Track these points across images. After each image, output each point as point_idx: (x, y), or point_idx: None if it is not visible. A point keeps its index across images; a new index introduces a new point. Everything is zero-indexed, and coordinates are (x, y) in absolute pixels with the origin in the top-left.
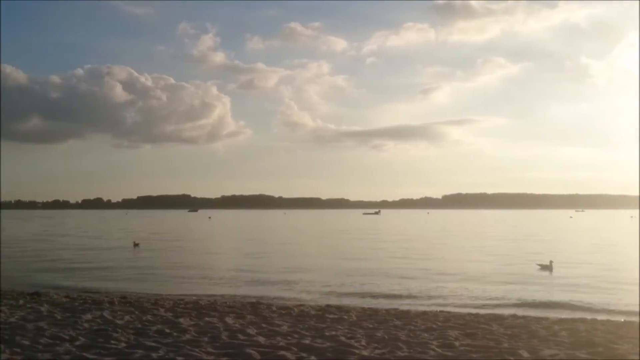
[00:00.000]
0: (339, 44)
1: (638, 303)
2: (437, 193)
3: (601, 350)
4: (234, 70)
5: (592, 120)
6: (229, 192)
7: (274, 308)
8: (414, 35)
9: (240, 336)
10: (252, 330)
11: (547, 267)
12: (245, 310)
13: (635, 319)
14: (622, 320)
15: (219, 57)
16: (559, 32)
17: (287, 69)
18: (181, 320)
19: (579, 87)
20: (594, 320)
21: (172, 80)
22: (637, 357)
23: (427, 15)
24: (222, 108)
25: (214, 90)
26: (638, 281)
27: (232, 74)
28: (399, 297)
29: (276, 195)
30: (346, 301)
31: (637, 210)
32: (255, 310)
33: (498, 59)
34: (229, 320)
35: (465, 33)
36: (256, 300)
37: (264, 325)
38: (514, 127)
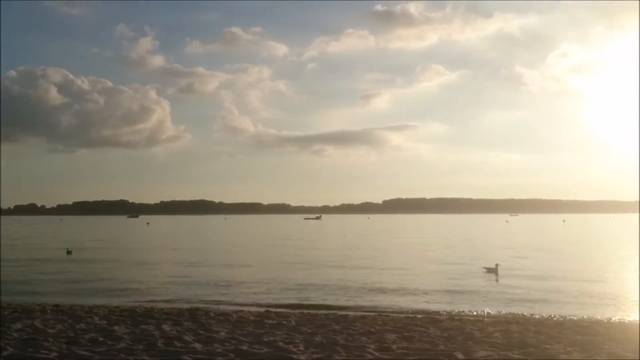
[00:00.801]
0: (280, 49)
1: (570, 302)
2: (377, 198)
3: (532, 351)
4: (174, 74)
5: (526, 127)
6: (168, 198)
7: (212, 314)
8: (354, 41)
9: (177, 343)
10: (188, 337)
11: (493, 270)
12: (182, 317)
13: (563, 319)
14: (553, 321)
15: (158, 61)
16: (495, 42)
17: (227, 74)
18: (116, 328)
19: (513, 94)
20: (527, 322)
21: (109, 84)
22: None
23: (367, 22)
24: (161, 112)
25: (153, 94)
26: (574, 282)
27: (172, 77)
28: (338, 301)
29: (217, 201)
30: (286, 307)
31: (569, 215)
32: (193, 316)
33: (437, 66)
34: (166, 327)
35: (405, 40)
36: (194, 307)
37: (201, 331)
38: (452, 133)
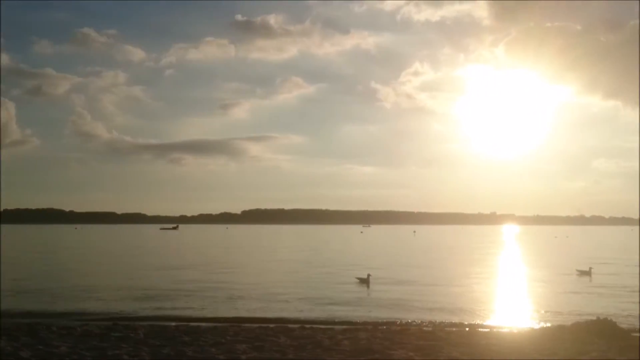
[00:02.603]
0: (136, 53)
1: (419, 309)
2: (236, 208)
3: (378, 357)
4: (19, 74)
5: (380, 141)
6: (12, 206)
7: (55, 328)
8: (213, 50)
9: None
10: (25, 353)
11: (365, 281)
12: (20, 332)
13: (409, 326)
14: (400, 327)
15: (3, 60)
16: (352, 57)
17: (79, 77)
18: None
19: (369, 109)
20: (375, 329)
21: None
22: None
23: (227, 32)
24: (5, 114)
25: None
26: (427, 293)
27: (17, 78)
28: (191, 313)
29: (67, 210)
30: (135, 319)
31: (419, 226)
32: (32, 331)
33: (296, 78)
34: (0, 343)
35: (265, 51)
36: (34, 321)
37: (40, 347)
38: (310, 145)
